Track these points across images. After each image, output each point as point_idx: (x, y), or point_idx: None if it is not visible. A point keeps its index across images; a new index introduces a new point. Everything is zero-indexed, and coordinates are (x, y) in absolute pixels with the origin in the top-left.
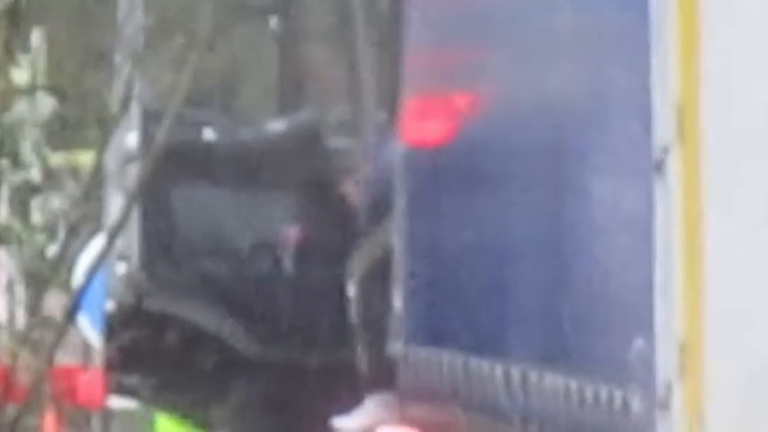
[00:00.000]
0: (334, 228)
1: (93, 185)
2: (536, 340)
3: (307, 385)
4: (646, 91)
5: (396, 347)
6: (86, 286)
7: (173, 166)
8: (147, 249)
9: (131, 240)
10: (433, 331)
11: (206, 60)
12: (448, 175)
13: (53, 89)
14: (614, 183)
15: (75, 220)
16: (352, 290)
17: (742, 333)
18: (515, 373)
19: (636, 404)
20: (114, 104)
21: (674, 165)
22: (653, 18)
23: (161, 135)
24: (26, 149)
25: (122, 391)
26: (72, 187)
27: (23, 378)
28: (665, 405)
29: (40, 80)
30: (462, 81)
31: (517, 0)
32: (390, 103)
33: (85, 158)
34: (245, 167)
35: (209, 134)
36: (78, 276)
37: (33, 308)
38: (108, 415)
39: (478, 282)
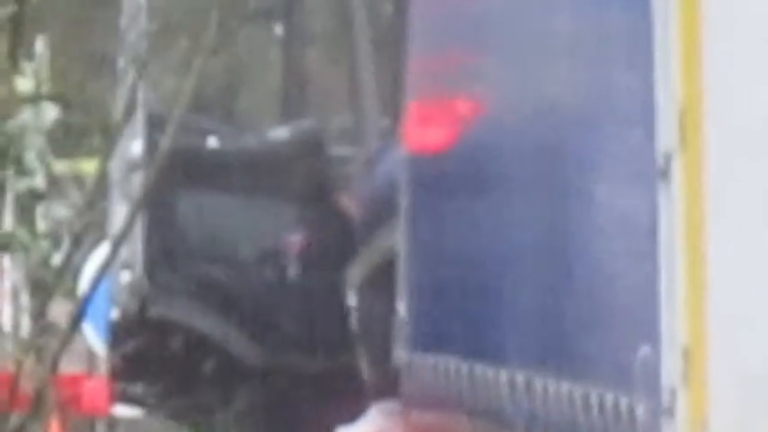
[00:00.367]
0: (338, 235)
1: (98, 193)
2: (541, 347)
3: (311, 392)
4: (649, 96)
5: (400, 354)
6: (91, 294)
7: (176, 173)
8: (151, 257)
9: (136, 248)
10: (437, 338)
11: (210, 67)
12: (452, 180)
13: (57, 97)
14: (618, 188)
15: (79, 228)
16: (354, 297)
17: (745, 339)
18: (520, 379)
19: (641, 411)
20: (118, 112)
21: (678, 171)
22: (655, 22)
23: (165, 143)
24: (30, 157)
25: (127, 398)
26: (76, 195)
27: (28, 385)
28: (670, 411)
29: (44, 88)
30: (466, 86)
31: (520, 5)
32: (393, 109)
33: (89, 166)
34: (249, 175)
35: (212, 141)
36: (83, 284)
37: (38, 315)
38: (113, 422)
39: (483, 288)
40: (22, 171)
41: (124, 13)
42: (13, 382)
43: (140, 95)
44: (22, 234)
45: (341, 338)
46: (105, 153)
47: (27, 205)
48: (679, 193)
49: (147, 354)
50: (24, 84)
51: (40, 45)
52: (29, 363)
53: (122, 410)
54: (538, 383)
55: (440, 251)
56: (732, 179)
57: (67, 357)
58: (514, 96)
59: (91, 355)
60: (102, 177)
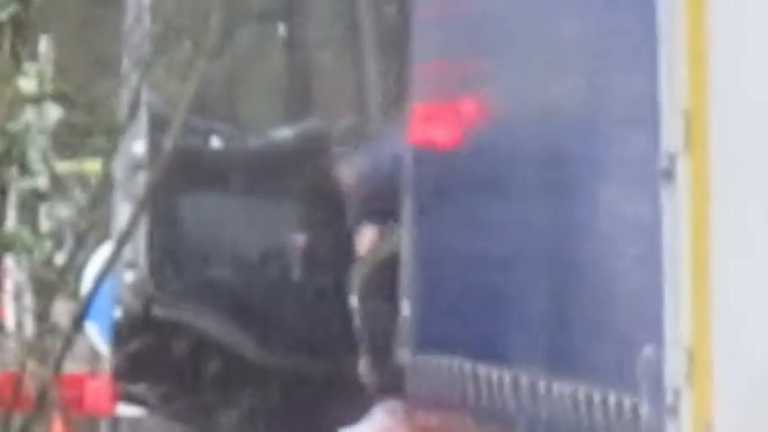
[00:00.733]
0: (342, 235)
1: (101, 193)
2: (545, 347)
3: (315, 393)
4: (653, 98)
5: (404, 355)
6: (94, 294)
7: (180, 173)
8: (154, 257)
9: (139, 248)
10: (441, 338)
11: (213, 68)
12: (456, 182)
13: (60, 97)
14: (623, 190)
15: (83, 228)
16: (357, 297)
17: (749, 339)
18: (524, 379)
19: (645, 410)
20: (122, 112)
21: (683, 172)
22: (660, 24)
23: (169, 143)
24: (34, 157)
25: (130, 398)
26: (80, 195)
27: (31, 386)
28: (674, 411)
29: (48, 88)
30: (470, 88)
31: (524, 8)
32: (398, 110)
33: (93, 166)
34: (253, 175)
35: (216, 142)
36: (86, 284)
37: (41, 315)
38: (116, 422)
39: (487, 288)
40: (26, 171)
41: (128, 14)
42: (17, 382)
43: (144, 96)
44: (26, 234)
45: (345, 339)
46: (109, 153)
47: (30, 205)
48: (683, 195)
49: (150, 354)
50: (28, 84)
51: (44, 45)
52: (32, 363)
53: (126, 410)
54: (542, 384)
55: (443, 252)
56: (737, 180)
57: (70, 357)
58: (519, 98)
59: (94, 355)
60: (106, 177)
